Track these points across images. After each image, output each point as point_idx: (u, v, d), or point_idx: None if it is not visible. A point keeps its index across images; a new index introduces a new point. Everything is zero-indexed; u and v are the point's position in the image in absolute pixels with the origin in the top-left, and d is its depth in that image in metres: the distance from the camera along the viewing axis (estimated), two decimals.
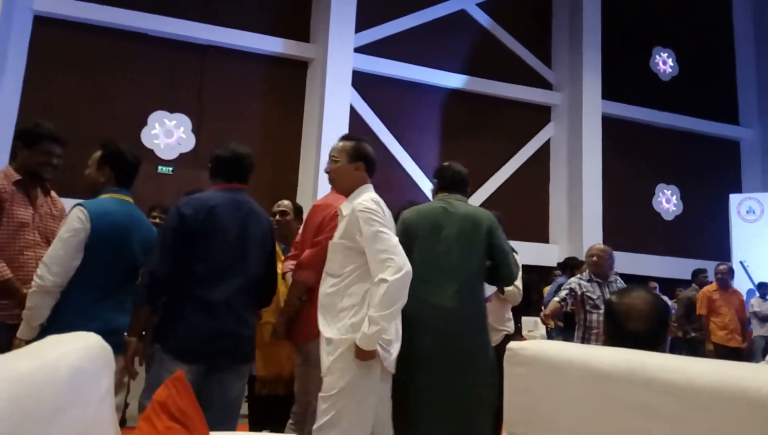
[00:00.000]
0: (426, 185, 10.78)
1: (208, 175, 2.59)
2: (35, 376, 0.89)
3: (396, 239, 2.15)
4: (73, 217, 2.28)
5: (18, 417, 0.79)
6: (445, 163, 2.90)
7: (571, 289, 4.22)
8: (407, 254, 2.30)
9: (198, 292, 2.24)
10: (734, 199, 9.72)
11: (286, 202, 3.42)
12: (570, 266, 6.42)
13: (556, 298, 4.27)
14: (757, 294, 6.89)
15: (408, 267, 2.07)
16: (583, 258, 6.78)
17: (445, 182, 2.81)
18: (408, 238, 2.62)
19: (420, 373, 2.50)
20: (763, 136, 12.90)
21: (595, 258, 4.19)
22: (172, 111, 9.32)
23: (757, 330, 6.55)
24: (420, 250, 2.60)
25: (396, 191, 10.48)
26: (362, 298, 2.12)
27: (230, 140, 2.65)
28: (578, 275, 4.49)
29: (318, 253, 2.44)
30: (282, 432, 2.60)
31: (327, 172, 2.46)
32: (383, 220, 2.17)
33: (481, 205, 10.47)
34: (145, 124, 9.16)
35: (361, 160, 2.40)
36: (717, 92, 13.09)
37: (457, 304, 2.55)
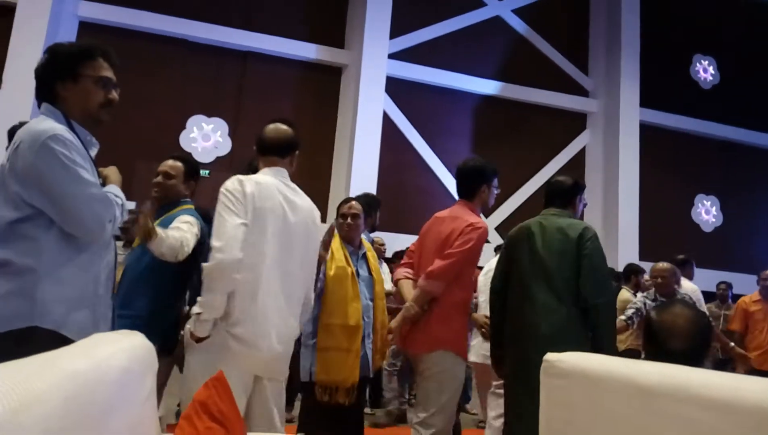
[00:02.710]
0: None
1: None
2: (89, 375, 0.92)
3: (232, 221, 2.02)
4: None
5: (73, 416, 0.82)
6: (549, 180, 3.00)
7: (638, 309, 4.20)
8: (510, 265, 2.65)
9: None
10: None
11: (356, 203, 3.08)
12: (632, 273, 5.71)
13: (622, 317, 4.19)
14: None
15: (223, 255, 1.95)
16: (618, 270, 6.64)
17: (546, 197, 2.90)
18: (509, 253, 2.76)
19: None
20: None
21: (659, 279, 4.13)
22: (209, 115, 9.51)
23: None
24: (520, 263, 2.68)
25: (427, 197, 10.45)
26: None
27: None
28: (644, 293, 4.45)
29: (452, 265, 2.57)
30: None
31: None
32: (233, 203, 2.05)
33: (512, 214, 10.35)
34: (183, 127, 9.37)
35: (256, 145, 2.34)
36: (759, 101, 12.69)
37: (546, 313, 2.57)
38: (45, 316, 1.56)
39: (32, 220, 1.62)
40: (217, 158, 9.45)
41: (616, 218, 10.84)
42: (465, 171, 2.93)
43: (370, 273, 2.99)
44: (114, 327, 1.83)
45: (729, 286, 6.50)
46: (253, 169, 2.43)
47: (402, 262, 2.90)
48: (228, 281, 1.99)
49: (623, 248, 10.26)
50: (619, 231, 10.65)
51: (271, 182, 2.20)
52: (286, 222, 2.17)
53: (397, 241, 8.11)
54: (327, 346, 2.67)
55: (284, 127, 2.37)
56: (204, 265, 2.01)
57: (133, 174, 6.62)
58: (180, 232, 2.34)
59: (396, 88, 10.27)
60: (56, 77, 1.75)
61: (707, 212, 12.13)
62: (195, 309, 2.01)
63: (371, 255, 3.07)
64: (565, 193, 2.83)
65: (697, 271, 10.24)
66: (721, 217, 12.15)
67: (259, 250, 2.08)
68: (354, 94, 9.90)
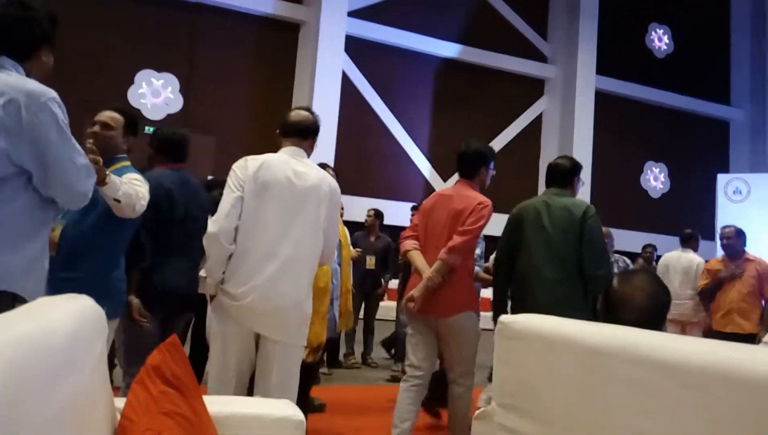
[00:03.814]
0: (417, 155, 10.74)
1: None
2: (33, 340, 0.88)
3: (228, 196, 2.29)
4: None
5: (16, 383, 0.78)
6: (550, 162, 3.22)
7: None
8: (516, 240, 2.97)
9: None
10: (722, 178, 9.79)
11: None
12: None
13: None
14: None
15: (214, 228, 2.24)
16: None
17: (547, 178, 3.14)
18: (516, 229, 3.03)
19: None
20: (753, 116, 12.97)
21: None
22: (159, 70, 9.13)
23: None
24: (527, 238, 2.96)
25: (386, 160, 10.43)
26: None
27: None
28: None
29: (470, 240, 2.86)
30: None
31: None
32: (232, 180, 2.32)
33: None
34: (131, 82, 8.97)
35: (279, 128, 2.56)
36: (710, 71, 13.08)
37: (552, 282, 2.85)
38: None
39: (9, 181, 1.62)
40: (168, 115, 9.13)
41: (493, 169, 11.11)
42: (468, 153, 3.12)
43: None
44: (57, 291, 1.75)
45: (654, 248, 6.77)
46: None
47: (406, 235, 3.12)
48: (220, 248, 2.24)
49: None
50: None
51: (278, 158, 2.39)
52: (293, 192, 2.32)
53: (354, 204, 8.08)
54: (316, 308, 2.74)
55: (306, 113, 2.59)
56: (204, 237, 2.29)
57: (80, 133, 6.31)
58: (132, 186, 2.23)
59: (356, 47, 10.07)
60: (44, 41, 1.80)
61: (655, 179, 12.57)
62: (201, 272, 2.35)
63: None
64: (565, 174, 3.10)
65: (643, 236, 10.66)
66: (669, 183, 12.61)
67: (256, 218, 2.27)
68: (312, 53, 9.67)
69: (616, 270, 4.27)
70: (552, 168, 3.15)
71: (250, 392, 2.38)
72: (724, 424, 1.06)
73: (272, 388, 2.25)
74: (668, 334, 1.34)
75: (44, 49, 1.79)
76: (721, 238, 4.89)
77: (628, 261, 4.53)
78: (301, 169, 2.38)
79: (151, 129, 8.50)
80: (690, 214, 11.95)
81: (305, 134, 2.51)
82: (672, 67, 12.71)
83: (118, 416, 1.40)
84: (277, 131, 2.54)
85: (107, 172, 2.03)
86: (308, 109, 2.64)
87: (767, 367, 1.01)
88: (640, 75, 12.24)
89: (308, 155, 2.51)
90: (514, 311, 2.87)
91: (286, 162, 2.38)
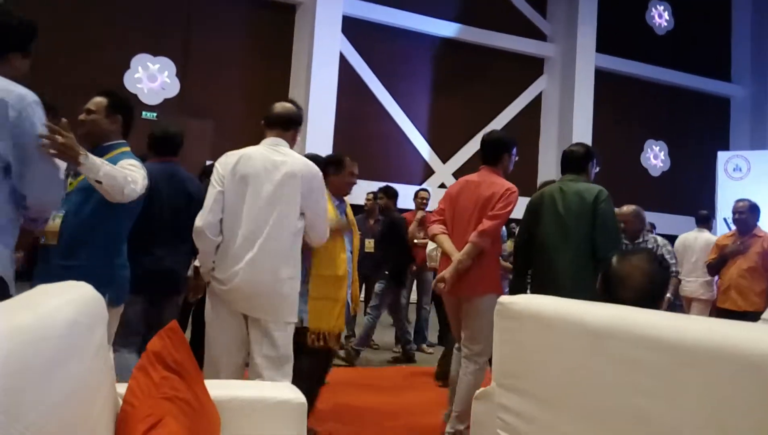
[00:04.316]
0: (416, 137, 10.68)
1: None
2: (33, 329, 0.88)
3: (211, 191, 2.47)
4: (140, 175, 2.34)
5: (17, 372, 0.78)
6: (564, 150, 3.32)
7: None
8: (534, 225, 3.08)
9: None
10: (722, 156, 9.75)
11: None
12: None
13: None
14: None
15: (199, 223, 2.44)
16: None
17: (562, 165, 3.25)
18: (533, 215, 3.15)
19: None
20: (753, 93, 12.87)
21: (621, 224, 4.14)
22: (155, 54, 9.05)
23: None
24: (544, 223, 3.08)
25: (386, 142, 10.39)
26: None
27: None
28: None
29: (499, 224, 3.03)
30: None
31: None
32: (214, 176, 2.50)
33: (470, 159, 10.41)
34: (127, 67, 8.90)
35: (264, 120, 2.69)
36: (711, 48, 12.96)
37: (568, 266, 2.94)
38: None
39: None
40: (165, 100, 9.07)
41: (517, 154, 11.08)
42: (490, 141, 3.30)
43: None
44: (58, 279, 1.76)
45: (653, 227, 6.82)
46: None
47: (433, 219, 3.26)
48: (206, 240, 2.44)
49: None
50: None
51: (257, 150, 2.54)
52: (270, 182, 2.46)
53: (354, 188, 8.06)
54: (318, 295, 2.89)
55: (290, 105, 2.74)
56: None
57: (77, 119, 6.27)
58: (120, 170, 2.20)
59: (353, 28, 9.97)
60: (17, 47, 1.92)
61: (655, 157, 12.52)
62: (195, 262, 2.60)
63: (350, 209, 3.29)
64: (579, 160, 3.19)
65: (646, 215, 10.63)
66: (669, 162, 12.57)
67: (236, 209, 2.44)
68: (309, 34, 9.57)
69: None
70: (566, 155, 3.24)
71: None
72: (721, 401, 1.06)
73: (259, 366, 2.40)
74: (665, 312, 1.34)
75: (15, 54, 1.92)
76: (734, 213, 4.76)
77: (661, 241, 4.34)
78: (279, 159, 2.50)
79: (150, 114, 8.54)
80: (690, 193, 11.93)
81: (287, 125, 2.65)
82: (672, 44, 12.59)
83: (120, 402, 1.41)
84: (262, 122, 2.67)
85: (83, 152, 2.01)
86: (292, 102, 2.81)
87: (763, 344, 1.02)
88: (640, 52, 12.13)
89: (291, 145, 2.65)
90: (535, 291, 3.00)
91: (264, 153, 2.52)
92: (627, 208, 4.28)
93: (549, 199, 3.08)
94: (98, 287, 1.44)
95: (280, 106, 2.70)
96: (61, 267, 2.19)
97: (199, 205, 2.54)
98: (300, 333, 2.83)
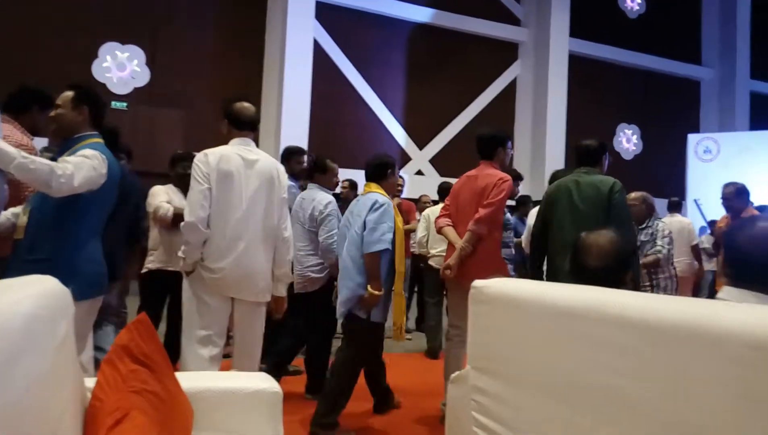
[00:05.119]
0: (391, 123, 10.65)
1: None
2: None
3: (197, 188, 2.61)
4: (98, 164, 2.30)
5: None
6: (578, 143, 3.48)
7: None
8: (550, 216, 3.28)
9: None
10: (692, 138, 9.94)
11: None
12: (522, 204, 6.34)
13: None
14: (708, 231, 7.16)
15: (190, 217, 2.58)
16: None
17: (577, 158, 3.42)
18: (549, 205, 3.33)
19: None
20: (722, 76, 13.09)
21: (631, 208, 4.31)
22: (124, 42, 8.84)
23: (706, 265, 6.83)
24: (560, 214, 3.26)
25: (361, 129, 10.34)
26: None
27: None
28: None
29: (493, 211, 3.24)
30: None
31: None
32: (198, 173, 2.64)
33: (447, 145, 10.40)
34: (95, 56, 8.68)
35: (227, 118, 2.82)
36: (681, 31, 13.12)
37: None
38: None
39: None
40: (135, 89, 8.87)
41: (543, 148, 11.15)
42: (483, 138, 3.51)
43: None
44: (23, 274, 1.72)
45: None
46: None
47: (440, 214, 3.54)
48: (198, 234, 2.59)
49: (550, 175, 10.63)
50: (546, 159, 11.00)
51: (232, 150, 2.72)
52: (249, 180, 2.70)
53: None
54: (397, 290, 3.23)
55: (252, 106, 2.88)
56: (182, 225, 2.62)
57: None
58: (63, 163, 2.16)
59: (327, 14, 9.85)
60: None
61: (628, 141, 12.69)
62: (180, 253, 2.67)
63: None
64: (593, 154, 3.36)
65: None
66: (641, 145, 12.75)
67: (223, 205, 2.64)
68: (282, 21, 9.43)
69: (646, 237, 4.38)
70: (581, 149, 3.41)
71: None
72: (685, 378, 1.08)
73: (249, 344, 2.74)
74: (634, 292, 1.36)
75: None
76: (721, 198, 4.92)
77: (661, 226, 4.39)
78: (253, 158, 2.75)
79: (120, 104, 8.35)
80: (662, 175, 12.13)
81: (254, 126, 2.87)
82: (644, 27, 12.71)
83: (89, 396, 1.38)
84: (226, 121, 2.81)
85: None
86: (247, 99, 2.95)
87: (730, 323, 1.03)
88: (612, 36, 12.23)
89: (257, 145, 2.90)
90: (550, 278, 3.22)
91: (239, 153, 2.72)
92: (634, 195, 4.38)
93: (565, 190, 3.28)
94: (63, 280, 1.40)
95: (248, 109, 2.85)
96: (26, 261, 2.15)
97: (131, 192, 2.73)
98: (354, 322, 3.12)
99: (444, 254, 4.92)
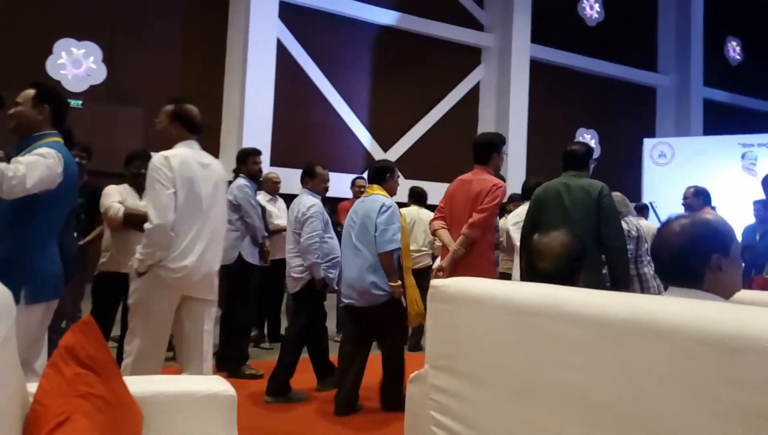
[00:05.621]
0: (356, 125, 10.63)
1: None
2: None
3: (165, 192, 2.62)
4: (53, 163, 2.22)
5: None
6: (566, 148, 3.56)
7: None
8: (540, 217, 3.27)
9: None
10: (648, 143, 10.24)
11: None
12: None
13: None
14: None
15: (161, 220, 2.59)
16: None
17: (564, 162, 3.48)
18: (540, 208, 3.36)
19: None
20: (677, 82, 13.52)
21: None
22: (80, 38, 8.57)
23: None
24: (550, 215, 3.28)
25: (325, 130, 10.28)
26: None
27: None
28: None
29: (487, 217, 3.35)
30: None
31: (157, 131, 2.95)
32: (163, 176, 2.64)
33: (411, 147, 10.43)
34: (50, 52, 8.40)
35: (178, 120, 2.83)
36: (638, 39, 13.51)
37: None
38: None
39: None
40: (91, 87, 8.62)
41: (506, 151, 11.30)
42: (480, 143, 3.63)
43: None
44: None
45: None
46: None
47: (435, 216, 3.64)
48: (167, 237, 2.62)
49: (511, 180, 10.78)
50: (508, 162, 11.15)
51: (188, 154, 2.77)
52: (206, 183, 2.78)
53: (292, 177, 7.93)
54: (409, 283, 3.47)
55: (194, 107, 2.92)
56: (146, 226, 2.60)
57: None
58: (15, 164, 2.09)
59: (290, 14, 9.77)
60: None
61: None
62: (138, 255, 2.64)
63: None
64: (580, 158, 3.45)
65: None
66: (599, 149, 13.06)
67: (186, 209, 2.69)
68: (244, 19, 9.31)
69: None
70: (568, 154, 3.49)
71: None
72: (636, 371, 1.09)
73: (204, 341, 2.75)
74: (588, 289, 1.37)
75: None
76: (683, 199, 5.12)
77: (634, 224, 4.54)
78: (207, 162, 2.83)
79: (76, 102, 8.08)
80: (619, 178, 12.41)
81: (201, 131, 2.93)
82: (602, 35, 13.03)
83: (31, 401, 1.32)
84: (178, 123, 2.82)
85: None
86: (192, 101, 2.99)
87: (678, 318, 1.05)
88: (572, 43, 12.50)
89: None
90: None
91: (194, 156, 2.79)
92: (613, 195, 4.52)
93: (554, 194, 3.34)
94: (14, 282, 1.35)
95: (198, 112, 2.90)
96: None
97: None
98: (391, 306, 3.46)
99: (416, 255, 5.08)
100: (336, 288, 3.88)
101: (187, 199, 2.70)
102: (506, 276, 4.84)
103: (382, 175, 3.70)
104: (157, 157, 2.70)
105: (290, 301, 4.70)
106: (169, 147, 2.78)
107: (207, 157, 2.88)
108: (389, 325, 3.53)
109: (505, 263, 5.06)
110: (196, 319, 2.76)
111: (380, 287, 3.43)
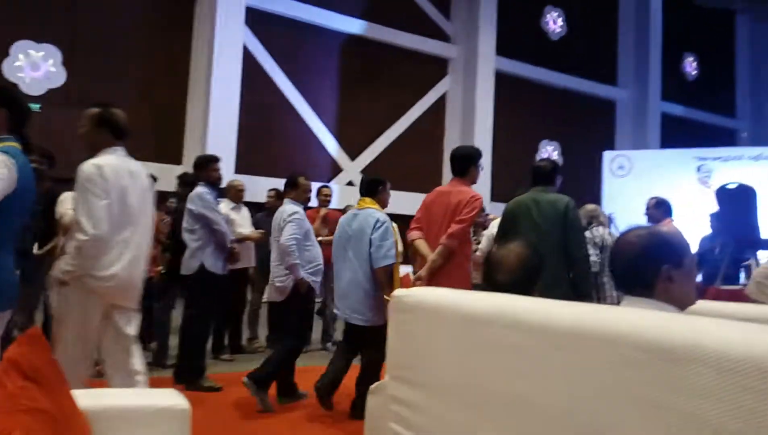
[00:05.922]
0: (323, 133, 10.60)
1: None
2: None
3: (99, 203, 2.56)
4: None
5: None
6: (534, 164, 3.72)
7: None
8: (510, 229, 3.39)
9: None
10: (607, 155, 10.50)
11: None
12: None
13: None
14: None
15: (96, 231, 2.54)
16: None
17: (533, 178, 3.61)
18: (511, 221, 3.49)
19: None
20: (636, 97, 13.94)
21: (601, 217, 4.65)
22: (39, 40, 8.34)
23: None
24: (522, 229, 3.37)
25: (291, 138, 10.22)
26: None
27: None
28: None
29: (465, 228, 3.43)
30: None
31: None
32: (97, 187, 2.58)
33: (378, 157, 10.46)
34: (6, 54, 8.14)
35: (104, 125, 2.74)
36: (599, 53, 13.89)
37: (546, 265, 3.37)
38: None
39: None
40: (50, 90, 8.39)
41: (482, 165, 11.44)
42: (458, 155, 3.72)
43: None
44: None
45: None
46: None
47: (411, 227, 3.67)
48: (101, 249, 2.58)
49: (476, 188, 10.89)
50: None
51: (118, 160, 2.72)
52: (136, 191, 2.74)
53: (256, 184, 7.86)
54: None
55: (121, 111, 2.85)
56: (79, 237, 2.52)
57: None
58: None
59: (257, 20, 9.72)
60: None
61: (550, 157, 13.23)
62: (65, 266, 2.58)
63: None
64: (548, 174, 3.60)
65: None
66: (561, 160, 13.33)
67: (118, 218, 2.64)
68: (210, 24, 9.21)
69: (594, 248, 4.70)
70: (536, 170, 3.65)
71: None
72: (587, 382, 1.11)
73: (130, 346, 2.71)
74: (540, 298, 1.39)
75: None
76: (645, 209, 5.28)
77: (599, 234, 4.87)
78: (135, 169, 2.79)
79: (34, 106, 7.84)
80: (580, 190, 12.67)
81: (128, 136, 2.85)
82: (565, 49, 13.35)
83: None
84: (104, 129, 2.74)
85: None
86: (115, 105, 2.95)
87: (622, 326, 1.07)
88: (535, 56, 12.76)
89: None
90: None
91: (123, 164, 2.73)
92: (588, 206, 4.84)
93: (524, 208, 3.47)
94: None
95: (125, 118, 2.83)
96: None
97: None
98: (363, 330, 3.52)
99: None
100: (318, 293, 4.02)
101: (120, 209, 2.67)
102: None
103: (374, 187, 3.80)
104: (87, 166, 2.61)
105: (272, 312, 4.74)
106: (93, 153, 2.69)
107: (134, 165, 2.82)
108: (373, 337, 3.54)
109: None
110: (118, 330, 2.72)
111: (363, 312, 3.58)
